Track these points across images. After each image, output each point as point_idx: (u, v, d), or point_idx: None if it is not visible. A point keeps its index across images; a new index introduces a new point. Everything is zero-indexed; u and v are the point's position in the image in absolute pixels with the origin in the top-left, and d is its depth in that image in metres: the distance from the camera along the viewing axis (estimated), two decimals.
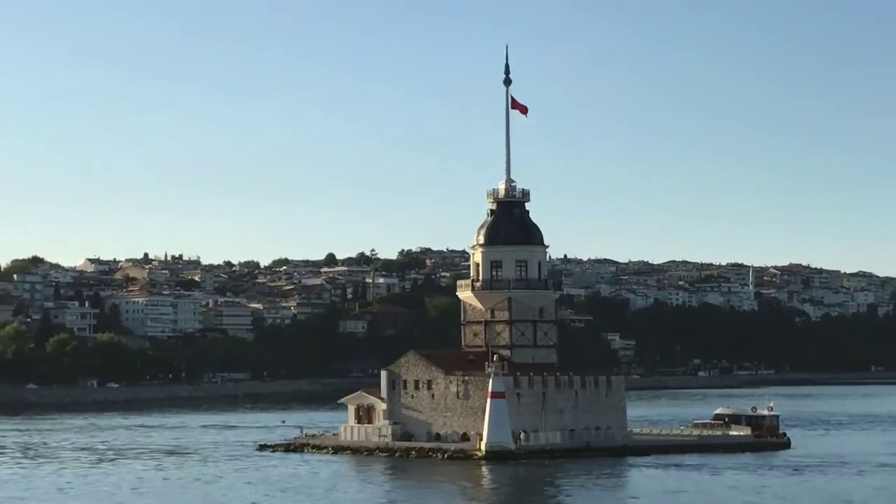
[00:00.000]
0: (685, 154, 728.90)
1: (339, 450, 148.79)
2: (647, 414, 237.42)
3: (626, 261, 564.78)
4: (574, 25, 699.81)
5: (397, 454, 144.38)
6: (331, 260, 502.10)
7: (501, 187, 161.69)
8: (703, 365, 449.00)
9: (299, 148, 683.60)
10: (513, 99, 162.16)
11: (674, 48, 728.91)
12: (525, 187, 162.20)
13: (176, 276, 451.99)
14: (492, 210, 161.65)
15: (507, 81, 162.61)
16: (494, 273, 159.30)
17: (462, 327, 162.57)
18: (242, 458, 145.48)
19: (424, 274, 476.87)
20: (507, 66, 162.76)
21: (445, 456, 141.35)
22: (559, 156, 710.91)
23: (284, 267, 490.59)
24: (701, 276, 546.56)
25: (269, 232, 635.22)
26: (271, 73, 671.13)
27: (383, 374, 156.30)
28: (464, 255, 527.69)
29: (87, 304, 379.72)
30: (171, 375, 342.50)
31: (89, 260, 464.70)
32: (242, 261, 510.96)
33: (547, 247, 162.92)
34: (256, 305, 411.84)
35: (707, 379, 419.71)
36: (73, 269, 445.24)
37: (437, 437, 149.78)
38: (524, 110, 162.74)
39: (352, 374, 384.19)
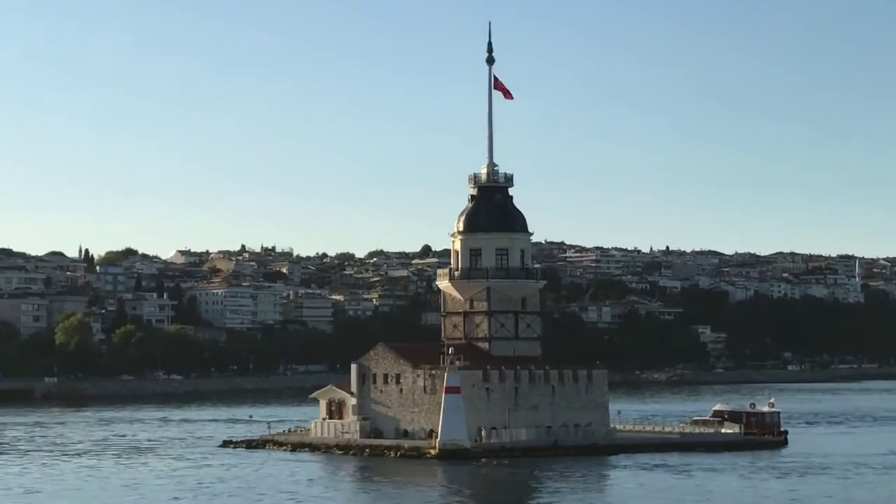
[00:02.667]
0: (789, 139, 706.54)
1: (297, 447, 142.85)
2: (695, 409, 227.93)
3: (733, 252, 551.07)
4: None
5: (352, 452, 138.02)
6: (426, 252, 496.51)
7: (483, 171, 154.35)
8: (794, 358, 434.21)
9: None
10: (496, 79, 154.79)
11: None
12: (508, 171, 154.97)
13: (264, 267, 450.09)
14: (472, 196, 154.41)
15: (490, 60, 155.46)
16: (474, 262, 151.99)
17: (441, 318, 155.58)
18: (195, 456, 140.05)
19: None
20: (489, 44, 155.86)
21: (398, 454, 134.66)
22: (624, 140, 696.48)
23: (375, 259, 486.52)
24: (807, 268, 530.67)
25: (369, 224, 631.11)
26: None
27: (353, 366, 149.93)
28: (561, 247, 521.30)
29: (165, 296, 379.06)
30: (235, 368, 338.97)
31: (180, 252, 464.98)
32: (339, 252, 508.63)
33: (531, 234, 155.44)
34: (338, 297, 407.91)
35: (798, 373, 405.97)
36: (161, 261, 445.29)
37: (405, 434, 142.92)
38: (508, 94, 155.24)
39: None
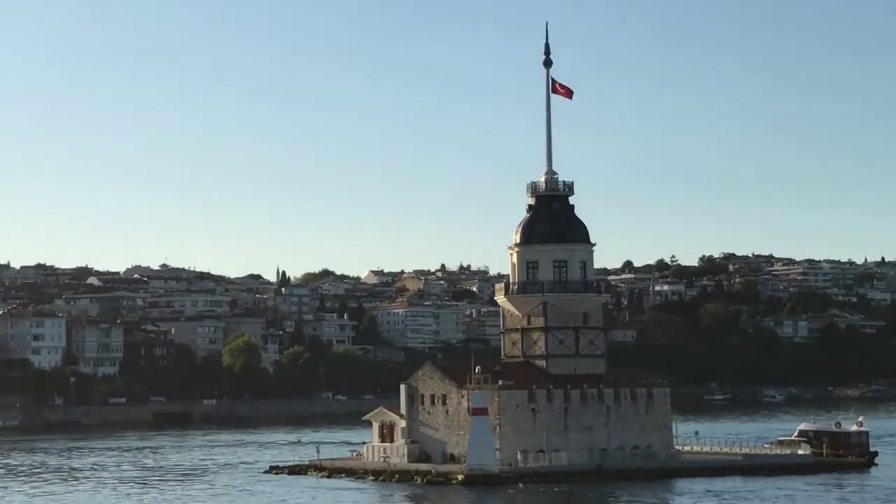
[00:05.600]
0: None
1: (335, 472, 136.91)
2: None
3: None
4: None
5: (381, 478, 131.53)
6: (627, 267, 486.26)
7: (542, 180, 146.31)
8: None
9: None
10: (554, 81, 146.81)
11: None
12: (567, 179, 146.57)
13: (454, 286, 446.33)
14: (530, 206, 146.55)
15: (548, 63, 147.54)
16: (531, 275, 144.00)
17: (501, 335, 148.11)
18: (225, 483, 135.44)
19: (717, 280, 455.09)
20: (546, 45, 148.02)
21: (425, 480, 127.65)
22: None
23: None
24: None
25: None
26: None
27: (402, 387, 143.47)
28: (769, 260, 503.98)
29: (345, 317, 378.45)
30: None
31: (373, 272, 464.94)
32: None
33: (593, 245, 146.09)
34: None
35: None
36: (351, 281, 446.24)
37: (451, 458, 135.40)
38: (568, 94, 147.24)
39: None
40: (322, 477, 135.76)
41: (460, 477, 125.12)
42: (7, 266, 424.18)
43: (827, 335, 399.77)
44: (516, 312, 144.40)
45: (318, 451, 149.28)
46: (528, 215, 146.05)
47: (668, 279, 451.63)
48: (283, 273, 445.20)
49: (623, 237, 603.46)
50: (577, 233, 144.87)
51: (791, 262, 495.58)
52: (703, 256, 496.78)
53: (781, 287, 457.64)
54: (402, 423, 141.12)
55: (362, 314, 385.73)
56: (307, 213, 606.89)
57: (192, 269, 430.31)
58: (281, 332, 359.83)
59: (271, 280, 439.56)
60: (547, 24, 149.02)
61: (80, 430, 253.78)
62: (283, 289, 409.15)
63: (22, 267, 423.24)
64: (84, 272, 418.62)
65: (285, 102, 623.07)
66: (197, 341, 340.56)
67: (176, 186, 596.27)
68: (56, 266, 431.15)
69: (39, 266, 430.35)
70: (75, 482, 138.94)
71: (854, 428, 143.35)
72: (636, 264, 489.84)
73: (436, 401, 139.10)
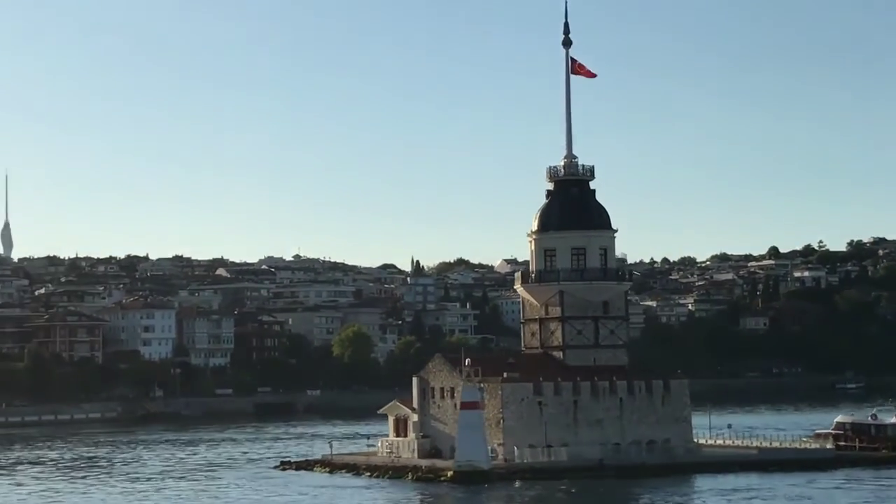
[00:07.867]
0: None
1: (337, 469, 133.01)
2: None
3: None
4: None
5: (375, 474, 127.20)
6: (773, 253, 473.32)
7: (561, 164, 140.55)
8: None
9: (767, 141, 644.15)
10: (573, 61, 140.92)
11: None
12: (588, 163, 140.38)
13: None
14: (549, 191, 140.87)
15: (567, 42, 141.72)
16: (548, 263, 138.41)
17: (521, 326, 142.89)
18: (225, 478, 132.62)
19: (861, 266, 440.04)
20: (566, 24, 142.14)
21: (415, 477, 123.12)
22: None
23: (706, 261, 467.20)
24: None
25: (712, 225, 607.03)
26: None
27: (414, 380, 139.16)
28: None
29: (468, 306, 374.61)
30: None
31: (505, 261, 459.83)
32: (682, 256, 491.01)
33: (615, 231, 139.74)
34: (650, 303, 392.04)
35: None
36: (481, 271, 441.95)
37: None
38: (590, 75, 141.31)
39: (748, 373, 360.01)
40: (326, 473, 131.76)
41: (449, 474, 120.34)
42: (145, 258, 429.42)
43: None
44: (534, 302, 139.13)
45: (330, 446, 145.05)
46: (546, 201, 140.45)
47: (811, 265, 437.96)
48: (417, 262, 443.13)
49: (768, 223, 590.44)
50: (596, 219, 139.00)
51: None
52: (852, 241, 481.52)
53: None
54: (415, 417, 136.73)
55: (486, 303, 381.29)
56: (443, 202, 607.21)
57: (326, 259, 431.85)
58: (400, 322, 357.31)
59: (406, 270, 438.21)
60: (566, 2, 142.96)
61: (178, 421, 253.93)
62: (408, 279, 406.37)
63: (158, 259, 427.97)
64: (218, 263, 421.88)
65: (419, 95, 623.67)
66: (314, 332, 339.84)
67: (314, 178, 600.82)
68: (193, 258, 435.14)
69: (176, 258, 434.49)
70: (84, 478, 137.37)
71: (893, 420, 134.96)
72: (782, 250, 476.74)
73: (445, 394, 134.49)
